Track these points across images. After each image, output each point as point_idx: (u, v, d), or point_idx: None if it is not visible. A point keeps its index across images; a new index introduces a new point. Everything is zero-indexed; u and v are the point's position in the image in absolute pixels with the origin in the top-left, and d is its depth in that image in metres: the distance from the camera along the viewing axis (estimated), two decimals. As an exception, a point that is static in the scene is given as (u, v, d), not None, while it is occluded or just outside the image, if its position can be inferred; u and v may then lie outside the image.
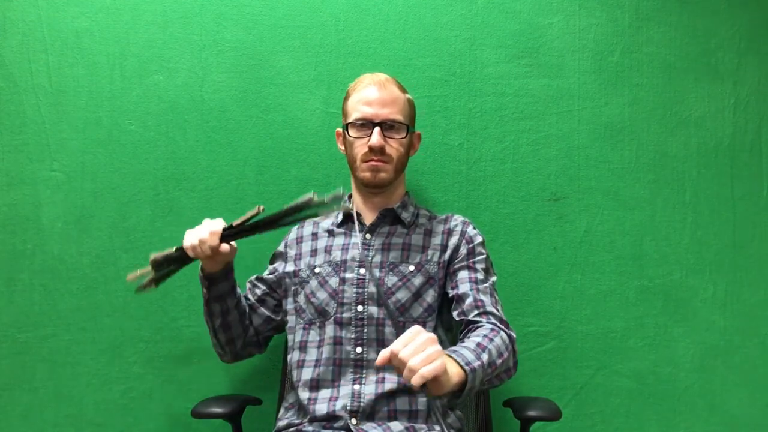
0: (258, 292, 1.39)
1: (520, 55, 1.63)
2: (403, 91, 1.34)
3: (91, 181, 1.58)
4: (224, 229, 1.17)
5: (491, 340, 1.13)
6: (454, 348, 1.08)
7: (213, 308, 1.29)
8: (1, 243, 1.56)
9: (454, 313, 1.26)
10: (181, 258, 1.21)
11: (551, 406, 1.30)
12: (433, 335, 0.95)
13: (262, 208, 1.09)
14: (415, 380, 0.90)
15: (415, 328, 0.96)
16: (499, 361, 1.11)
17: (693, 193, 1.63)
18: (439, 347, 0.94)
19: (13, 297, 1.55)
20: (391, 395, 1.20)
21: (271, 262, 1.43)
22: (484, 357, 1.07)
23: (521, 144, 1.62)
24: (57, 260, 1.56)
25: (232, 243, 1.22)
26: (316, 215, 1.12)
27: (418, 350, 0.92)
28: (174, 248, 1.21)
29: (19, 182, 1.58)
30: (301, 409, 1.24)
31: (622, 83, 1.64)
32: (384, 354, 0.94)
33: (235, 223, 1.14)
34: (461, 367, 1.01)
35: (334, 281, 1.28)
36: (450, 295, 1.28)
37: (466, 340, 1.14)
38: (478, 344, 1.11)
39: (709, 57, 1.65)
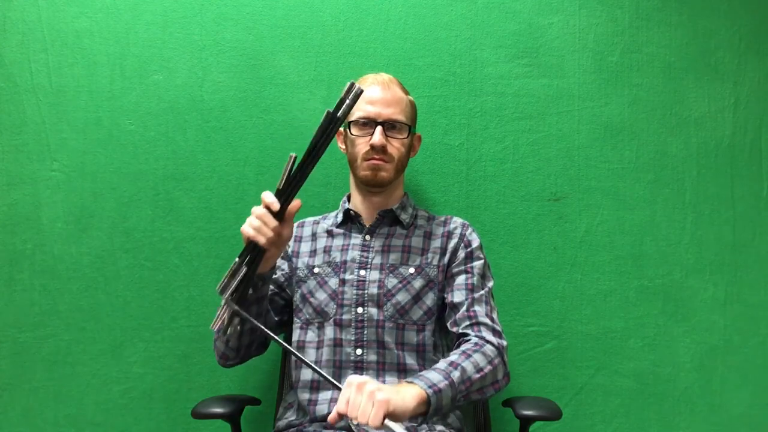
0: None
1: (520, 55, 1.63)
2: (406, 92, 1.35)
3: (91, 181, 1.58)
4: (276, 194, 1.05)
5: (469, 356, 1.14)
6: (420, 373, 1.10)
7: (250, 311, 1.18)
8: (1, 243, 1.56)
9: (448, 323, 1.27)
10: (246, 257, 1.06)
11: (551, 406, 1.30)
12: (367, 379, 0.97)
13: (294, 155, 1.01)
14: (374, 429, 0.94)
15: (348, 381, 0.97)
16: (476, 376, 1.11)
17: (693, 193, 1.63)
18: (376, 387, 0.96)
19: (13, 297, 1.55)
20: (391, 395, 1.20)
21: None
22: (455, 374, 1.08)
23: (521, 144, 1.62)
24: (57, 260, 1.56)
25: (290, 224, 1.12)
26: (342, 122, 1.03)
27: (358, 403, 0.94)
28: (235, 260, 1.07)
29: (19, 182, 1.58)
30: (301, 409, 1.24)
31: (622, 83, 1.64)
32: (333, 416, 0.96)
33: (281, 185, 1.04)
34: (424, 390, 1.02)
35: (333, 282, 1.28)
36: (445, 300, 1.28)
37: (441, 360, 1.15)
38: (451, 362, 1.11)
39: (709, 57, 1.65)
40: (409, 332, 1.25)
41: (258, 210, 1.07)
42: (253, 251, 1.07)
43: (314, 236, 1.38)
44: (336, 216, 1.39)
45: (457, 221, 1.37)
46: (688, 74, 1.65)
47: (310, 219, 1.43)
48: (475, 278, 1.28)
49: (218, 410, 1.31)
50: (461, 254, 1.31)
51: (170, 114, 1.60)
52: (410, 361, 1.23)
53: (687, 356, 1.59)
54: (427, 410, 1.02)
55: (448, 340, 1.33)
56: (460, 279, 1.28)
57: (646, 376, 1.59)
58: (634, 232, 1.61)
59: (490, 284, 1.31)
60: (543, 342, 1.59)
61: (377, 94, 1.29)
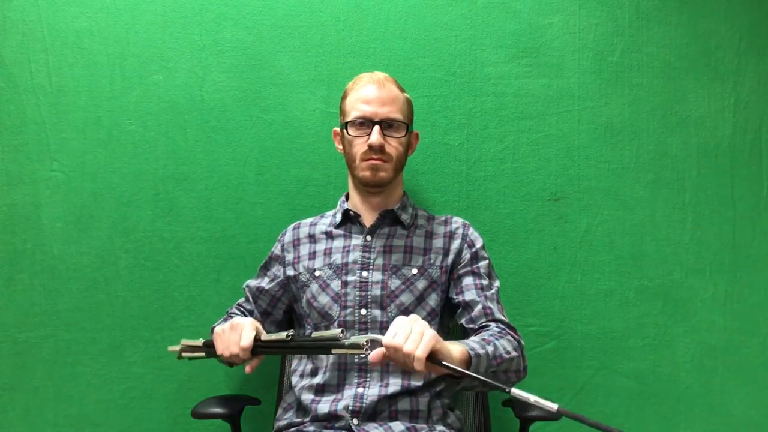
0: (262, 304, 1.38)
1: (520, 55, 1.63)
2: (402, 90, 1.34)
3: (91, 181, 1.58)
4: (254, 342, 1.11)
5: (498, 338, 1.14)
6: (456, 340, 1.09)
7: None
8: (1, 243, 1.56)
9: (462, 321, 1.26)
10: (210, 354, 1.17)
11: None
12: (416, 316, 0.97)
13: (291, 334, 1.05)
14: (417, 365, 0.91)
15: (400, 319, 0.96)
16: (506, 356, 1.12)
17: (693, 193, 1.63)
18: (426, 324, 0.95)
19: (13, 297, 1.55)
20: (393, 396, 1.20)
21: (268, 266, 1.40)
22: (489, 348, 1.08)
23: (521, 144, 1.62)
24: (57, 260, 1.56)
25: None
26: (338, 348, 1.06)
27: (408, 335, 0.93)
28: (201, 341, 1.18)
29: (19, 182, 1.58)
30: (302, 408, 1.24)
31: (622, 83, 1.64)
32: (375, 354, 0.94)
33: (263, 338, 1.10)
34: (467, 350, 1.02)
35: (335, 284, 1.28)
36: (455, 301, 1.27)
37: (472, 337, 1.16)
38: (483, 339, 1.12)
39: (709, 57, 1.65)
40: None
41: (234, 348, 1.10)
42: (214, 353, 1.15)
43: (312, 238, 1.37)
44: (334, 216, 1.38)
45: (458, 221, 1.36)
46: (688, 74, 1.65)
47: (306, 220, 1.42)
48: (483, 279, 1.28)
49: (218, 410, 1.31)
50: (466, 255, 1.30)
51: (170, 114, 1.60)
52: None
53: (687, 356, 1.59)
54: (467, 367, 1.01)
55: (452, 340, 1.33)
56: (468, 280, 1.28)
57: (646, 376, 1.59)
58: (634, 232, 1.61)
59: (497, 284, 1.31)
60: (543, 342, 1.59)
61: (373, 93, 1.28)
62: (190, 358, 1.20)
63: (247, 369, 1.13)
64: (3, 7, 1.59)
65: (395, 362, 0.95)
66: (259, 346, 1.09)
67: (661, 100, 1.64)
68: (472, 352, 1.03)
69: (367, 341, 0.96)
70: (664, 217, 1.62)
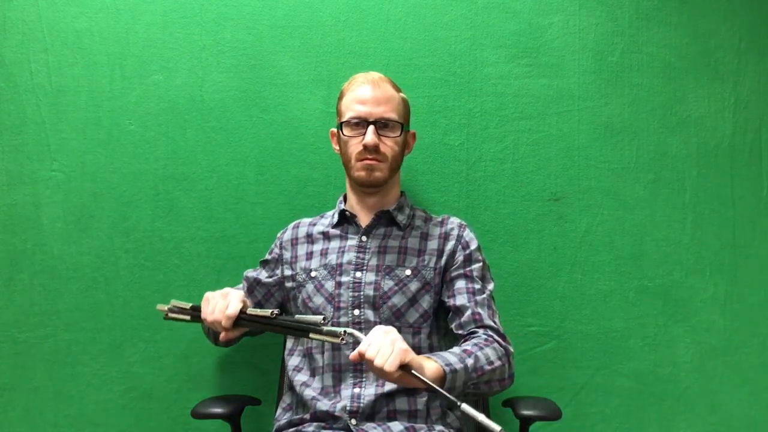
0: (257, 296, 1.39)
1: (520, 55, 1.63)
2: (397, 89, 1.34)
3: (91, 181, 1.58)
4: (239, 313, 1.15)
5: (481, 348, 1.16)
6: (437, 352, 1.13)
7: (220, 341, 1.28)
8: (1, 243, 1.56)
9: (452, 325, 1.26)
10: (195, 317, 1.20)
11: (551, 406, 1.30)
12: (391, 328, 1.05)
13: (276, 312, 1.09)
14: (387, 378, 1.00)
15: (380, 329, 1.03)
16: (487, 368, 1.13)
17: (693, 193, 1.63)
18: (400, 338, 1.03)
19: (13, 297, 1.55)
20: (390, 395, 1.20)
21: (267, 262, 1.41)
22: (469, 361, 1.11)
23: (521, 144, 1.62)
24: (57, 260, 1.56)
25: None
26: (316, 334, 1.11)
27: (382, 349, 1.00)
28: (190, 306, 1.20)
29: (19, 182, 1.57)
30: (302, 404, 1.24)
31: (622, 83, 1.64)
32: (354, 354, 1.01)
33: (249, 312, 1.14)
34: (441, 366, 1.07)
35: (330, 285, 1.28)
36: (447, 304, 1.28)
37: (455, 347, 1.17)
38: (465, 350, 1.14)
39: (709, 57, 1.65)
40: (404, 335, 1.23)
41: (219, 314, 1.13)
42: (199, 317, 1.19)
43: (310, 238, 1.37)
44: (332, 216, 1.39)
45: (453, 222, 1.36)
46: (688, 74, 1.65)
47: (306, 220, 1.42)
48: (475, 282, 1.28)
49: (218, 410, 1.31)
50: (459, 257, 1.30)
51: (170, 114, 1.60)
52: None
53: (687, 356, 1.59)
54: (441, 386, 1.04)
55: (446, 342, 1.33)
56: (461, 283, 1.28)
57: (646, 376, 1.59)
58: (634, 232, 1.61)
59: (491, 287, 1.30)
60: (543, 342, 1.59)
61: (368, 93, 1.28)
62: (176, 320, 1.22)
63: (222, 336, 1.17)
64: (3, 7, 1.59)
65: (370, 370, 1.02)
66: (242, 318, 1.13)
67: (661, 100, 1.64)
68: (447, 368, 1.07)
69: (344, 332, 1.02)
70: (664, 217, 1.62)
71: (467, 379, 1.09)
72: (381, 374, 1.00)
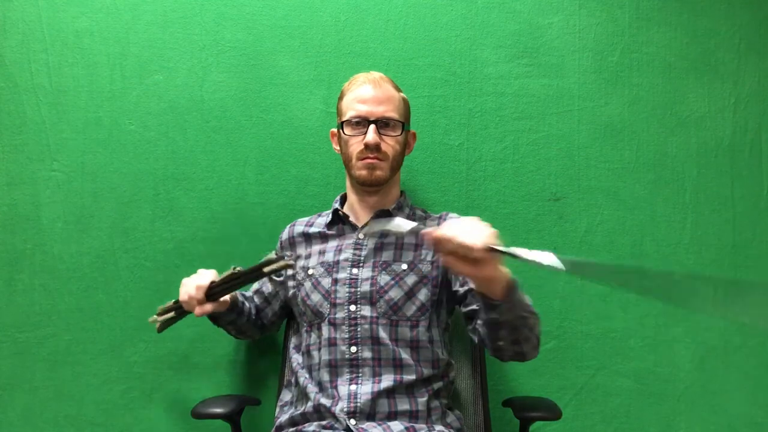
0: (258, 298, 1.40)
1: (520, 55, 1.63)
2: (398, 89, 1.34)
3: (91, 181, 1.58)
4: (210, 286, 1.21)
5: None
6: None
7: (226, 328, 1.36)
8: (1, 243, 1.56)
9: (474, 305, 1.24)
10: (178, 310, 1.27)
11: (551, 406, 1.30)
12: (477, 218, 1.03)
13: (237, 268, 1.19)
14: (478, 252, 0.96)
15: (455, 221, 1.03)
16: (534, 318, 1.14)
17: (693, 193, 1.63)
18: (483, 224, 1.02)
19: (13, 297, 1.55)
20: (390, 395, 1.20)
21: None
22: (526, 297, 1.13)
23: (521, 144, 1.62)
24: (57, 260, 1.56)
25: (223, 299, 1.24)
26: (274, 271, 1.19)
27: (466, 226, 1.00)
28: (173, 301, 1.27)
29: (19, 182, 1.58)
30: (303, 396, 1.24)
31: (622, 83, 1.64)
32: (430, 234, 0.99)
33: (217, 280, 1.21)
34: (513, 278, 1.07)
35: (326, 282, 1.28)
36: (462, 291, 1.27)
37: None
38: None
39: (709, 57, 1.65)
40: (402, 328, 1.24)
41: (191, 288, 1.21)
42: (179, 308, 1.27)
43: (308, 237, 1.37)
44: (328, 216, 1.39)
45: (451, 215, 1.36)
46: (688, 74, 1.65)
47: (303, 219, 1.42)
48: None
49: (218, 410, 1.31)
50: None
51: (170, 114, 1.60)
52: (405, 356, 1.22)
53: (687, 356, 1.59)
54: (512, 297, 1.06)
55: (446, 337, 1.33)
56: None
57: (646, 376, 1.59)
58: (634, 232, 1.61)
59: None
60: (543, 342, 1.57)
61: (368, 93, 1.28)
62: (167, 323, 1.28)
63: (197, 311, 1.21)
64: (3, 7, 1.60)
65: (447, 252, 0.98)
66: (212, 288, 1.20)
67: (661, 100, 1.64)
68: (518, 282, 1.08)
69: (290, 254, 1.21)
70: (664, 217, 1.62)
71: (524, 307, 1.10)
72: (466, 250, 0.96)
